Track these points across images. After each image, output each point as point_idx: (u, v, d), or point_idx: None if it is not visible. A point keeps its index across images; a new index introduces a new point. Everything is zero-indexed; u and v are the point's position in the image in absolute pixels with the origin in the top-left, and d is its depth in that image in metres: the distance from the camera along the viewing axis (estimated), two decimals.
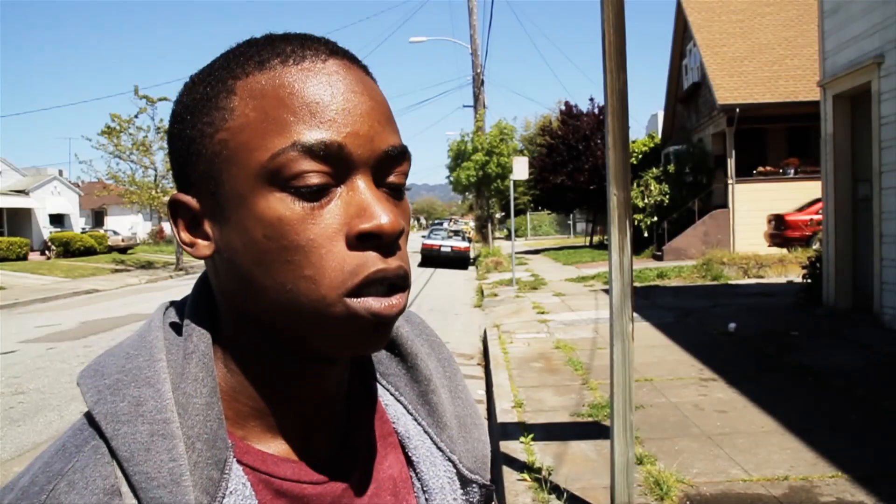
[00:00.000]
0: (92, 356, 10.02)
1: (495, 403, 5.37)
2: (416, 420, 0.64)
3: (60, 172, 37.76)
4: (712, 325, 8.24)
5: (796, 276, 10.88)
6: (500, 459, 4.17)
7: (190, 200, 0.52)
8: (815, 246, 13.76)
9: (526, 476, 3.81)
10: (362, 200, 0.49)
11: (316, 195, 0.48)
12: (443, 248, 22.90)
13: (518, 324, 9.31)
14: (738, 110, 17.03)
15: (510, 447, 4.32)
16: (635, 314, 3.31)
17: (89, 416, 0.51)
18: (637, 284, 12.55)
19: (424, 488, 0.62)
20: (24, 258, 26.50)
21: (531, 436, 4.44)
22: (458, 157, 26.57)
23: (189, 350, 0.53)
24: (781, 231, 16.03)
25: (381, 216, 0.48)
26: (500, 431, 4.72)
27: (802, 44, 18.13)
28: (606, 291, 3.59)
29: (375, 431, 0.62)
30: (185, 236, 0.53)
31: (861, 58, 7.72)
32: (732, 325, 7.90)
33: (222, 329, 0.55)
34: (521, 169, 14.11)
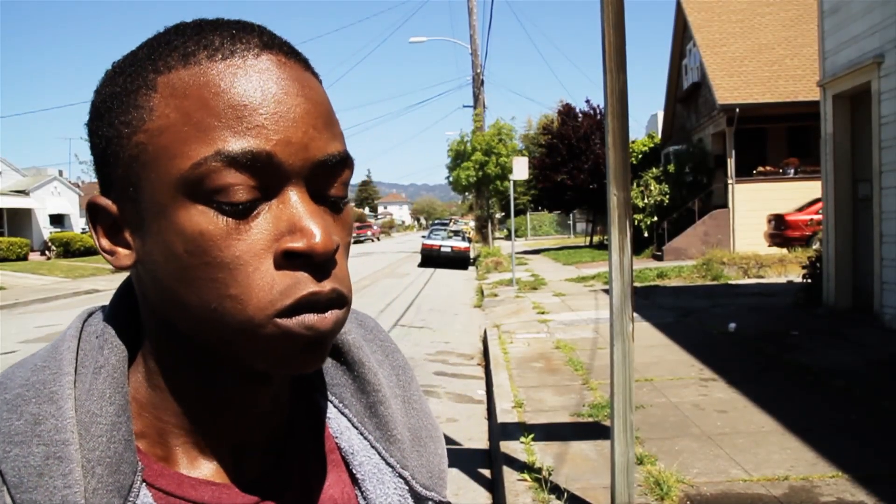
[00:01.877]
0: None
1: (495, 403, 5.37)
2: (361, 434, 0.59)
3: (60, 173, 37.79)
4: (712, 325, 8.24)
5: (796, 275, 10.88)
6: (500, 459, 4.18)
7: (109, 205, 0.48)
8: (815, 246, 13.74)
9: (526, 476, 3.81)
10: (293, 215, 0.45)
11: (242, 209, 0.44)
12: (443, 249, 22.89)
13: (518, 324, 9.31)
14: (737, 110, 17.03)
15: (510, 447, 4.32)
16: (635, 314, 3.31)
17: None
18: (637, 284, 12.55)
19: None
20: (25, 258, 26.51)
21: (531, 436, 4.44)
22: (458, 157, 26.58)
23: (99, 364, 0.48)
24: (781, 231, 16.03)
25: (314, 234, 0.44)
26: (501, 431, 4.72)
27: (802, 44, 18.12)
28: (606, 291, 3.59)
29: (316, 448, 0.58)
30: (105, 243, 0.49)
31: (861, 58, 7.72)
32: (732, 325, 7.90)
33: (146, 340, 0.51)
34: (520, 169, 14.10)
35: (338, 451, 0.59)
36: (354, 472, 0.58)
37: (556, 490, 3.61)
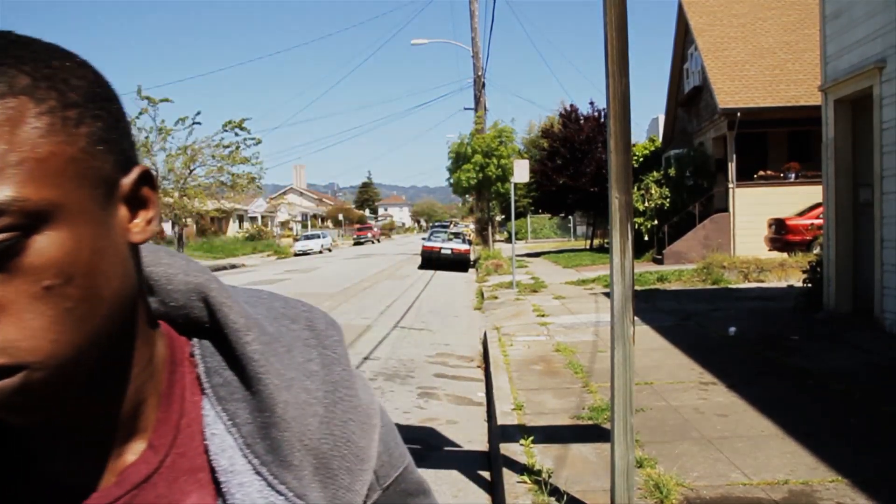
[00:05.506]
0: None
1: (495, 405, 5.37)
2: (245, 457, 0.53)
3: None
4: (713, 329, 8.24)
5: (797, 280, 10.88)
6: (500, 461, 4.18)
7: None
8: (816, 250, 13.75)
9: (526, 478, 3.81)
10: None
11: None
12: (443, 251, 22.86)
13: (518, 326, 9.31)
14: (739, 114, 17.04)
15: (510, 449, 4.32)
16: (636, 317, 3.31)
17: None
18: (637, 288, 12.54)
19: None
20: None
21: (531, 438, 4.44)
22: (458, 159, 26.59)
23: None
24: (782, 235, 16.03)
25: None
26: (500, 433, 4.72)
27: (804, 48, 18.14)
28: (606, 295, 3.60)
29: (179, 464, 0.52)
30: None
31: (863, 62, 7.73)
32: (733, 329, 7.90)
33: None
34: (521, 171, 14.10)
35: (208, 471, 0.53)
36: (228, 494, 0.52)
37: (555, 492, 3.60)
